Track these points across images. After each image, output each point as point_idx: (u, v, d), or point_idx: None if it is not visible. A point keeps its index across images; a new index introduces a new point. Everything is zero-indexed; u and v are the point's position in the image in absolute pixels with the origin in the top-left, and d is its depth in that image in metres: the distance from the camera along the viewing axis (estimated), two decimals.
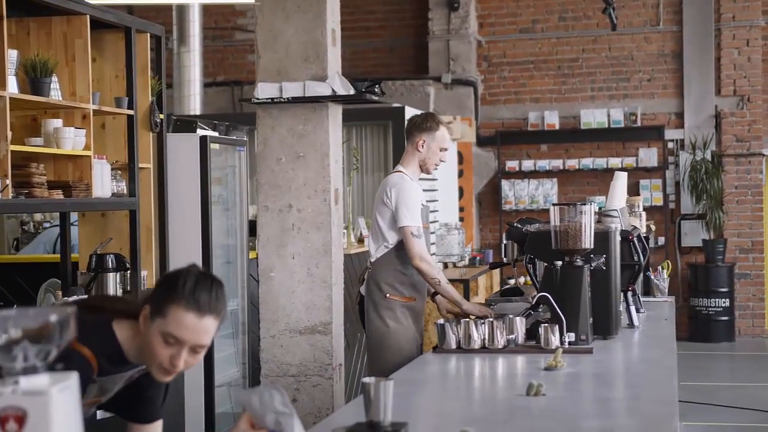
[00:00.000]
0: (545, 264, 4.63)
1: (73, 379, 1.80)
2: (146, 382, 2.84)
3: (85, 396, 2.67)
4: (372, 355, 5.42)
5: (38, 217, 9.05)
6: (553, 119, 13.07)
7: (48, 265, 6.34)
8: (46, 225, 9.08)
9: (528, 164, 13.09)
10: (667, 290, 6.58)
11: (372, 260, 5.39)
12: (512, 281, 12.63)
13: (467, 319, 4.38)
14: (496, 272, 11.48)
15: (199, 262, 6.46)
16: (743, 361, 11.68)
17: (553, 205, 4.54)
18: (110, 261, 5.57)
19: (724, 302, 12.43)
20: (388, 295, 5.30)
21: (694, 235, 12.78)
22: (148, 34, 6.08)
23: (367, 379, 2.73)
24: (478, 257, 11.33)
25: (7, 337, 1.74)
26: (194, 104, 10.85)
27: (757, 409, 8.67)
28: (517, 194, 13.13)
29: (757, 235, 12.80)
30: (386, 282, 5.32)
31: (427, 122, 5.42)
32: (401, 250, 5.30)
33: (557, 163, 13.01)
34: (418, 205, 5.29)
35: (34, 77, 5.02)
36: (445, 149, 5.45)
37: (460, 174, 12.58)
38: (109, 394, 2.80)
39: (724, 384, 10.20)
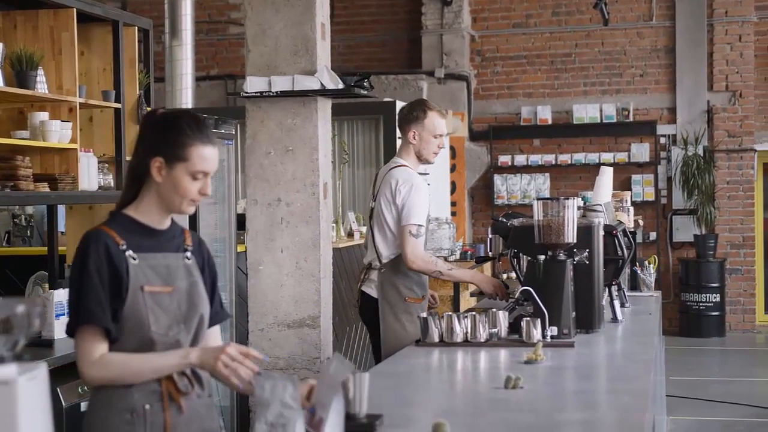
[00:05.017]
0: (528, 258, 4.65)
1: (41, 369, 1.82)
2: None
3: (132, 275, 2.84)
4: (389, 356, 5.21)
5: (30, 209, 9.06)
6: (545, 114, 13.09)
7: (37, 258, 6.36)
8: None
9: (520, 159, 13.11)
10: (653, 285, 6.60)
11: (383, 260, 5.22)
12: (505, 275, 12.66)
13: (450, 313, 4.39)
14: (488, 266, 11.50)
15: None
16: (733, 356, 11.71)
17: (537, 199, 4.55)
18: None
19: (715, 297, 12.47)
20: (407, 298, 5.19)
21: (685, 230, 12.81)
22: (136, 28, 6.09)
23: None
24: (470, 251, 11.34)
25: None
26: (186, 98, 10.80)
27: (746, 404, 8.70)
28: (510, 189, 13.15)
29: (749, 230, 12.83)
30: (404, 284, 5.19)
31: (413, 112, 5.29)
32: None
33: (549, 158, 13.04)
34: (426, 204, 5.16)
35: (20, 70, 5.03)
36: (440, 135, 5.29)
37: (453, 168, 12.61)
38: (176, 281, 2.93)
39: (714, 379, 10.23)
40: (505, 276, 12.89)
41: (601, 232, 4.77)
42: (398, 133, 9.95)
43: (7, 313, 1.76)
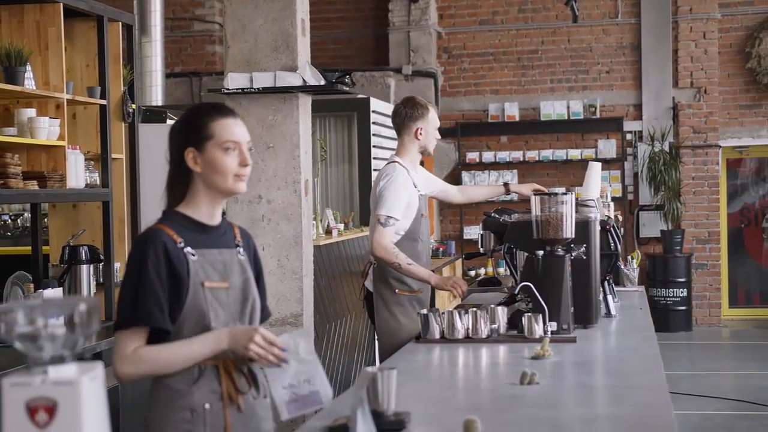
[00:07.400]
0: (526, 254, 4.64)
1: (99, 368, 1.78)
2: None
3: (192, 272, 2.84)
4: (385, 351, 5.27)
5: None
6: (513, 111, 13.13)
7: (17, 258, 6.26)
8: (5, 217, 8.95)
9: (488, 156, 13.14)
10: (636, 280, 6.63)
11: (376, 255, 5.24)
12: (472, 272, 12.69)
13: (450, 309, 4.37)
14: (459, 263, 11.52)
15: None
16: (701, 350, 11.82)
17: (535, 194, 4.55)
18: (84, 253, 5.49)
19: (682, 292, 12.58)
20: (397, 290, 5.25)
21: (652, 225, 12.91)
22: (120, 23, 6.00)
23: (371, 369, 2.73)
24: (440, 249, 11.36)
25: (34, 326, 1.72)
26: (156, 95, 10.73)
27: (717, 397, 8.81)
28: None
29: (714, 225, 12.96)
30: (393, 277, 5.24)
31: (417, 110, 5.41)
32: (405, 242, 5.21)
33: (517, 155, 13.07)
34: (403, 197, 5.21)
35: (8, 66, 4.94)
36: (438, 126, 5.53)
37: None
38: (231, 277, 2.93)
39: (684, 373, 10.32)
40: (472, 273, 12.89)
41: (598, 227, 4.78)
42: (373, 130, 9.96)
43: (69, 312, 1.72)
